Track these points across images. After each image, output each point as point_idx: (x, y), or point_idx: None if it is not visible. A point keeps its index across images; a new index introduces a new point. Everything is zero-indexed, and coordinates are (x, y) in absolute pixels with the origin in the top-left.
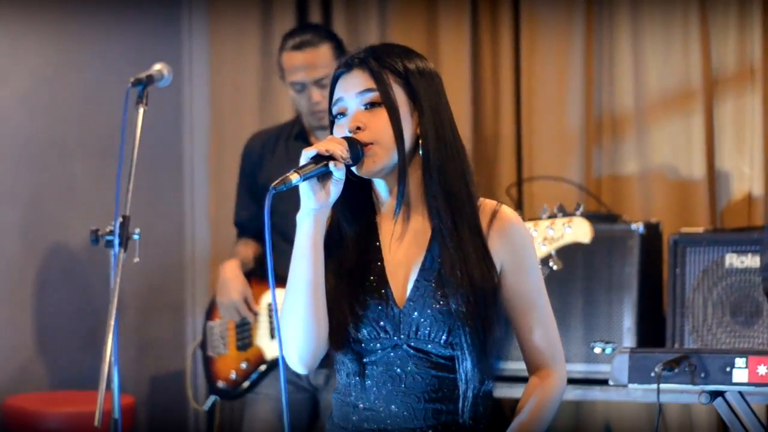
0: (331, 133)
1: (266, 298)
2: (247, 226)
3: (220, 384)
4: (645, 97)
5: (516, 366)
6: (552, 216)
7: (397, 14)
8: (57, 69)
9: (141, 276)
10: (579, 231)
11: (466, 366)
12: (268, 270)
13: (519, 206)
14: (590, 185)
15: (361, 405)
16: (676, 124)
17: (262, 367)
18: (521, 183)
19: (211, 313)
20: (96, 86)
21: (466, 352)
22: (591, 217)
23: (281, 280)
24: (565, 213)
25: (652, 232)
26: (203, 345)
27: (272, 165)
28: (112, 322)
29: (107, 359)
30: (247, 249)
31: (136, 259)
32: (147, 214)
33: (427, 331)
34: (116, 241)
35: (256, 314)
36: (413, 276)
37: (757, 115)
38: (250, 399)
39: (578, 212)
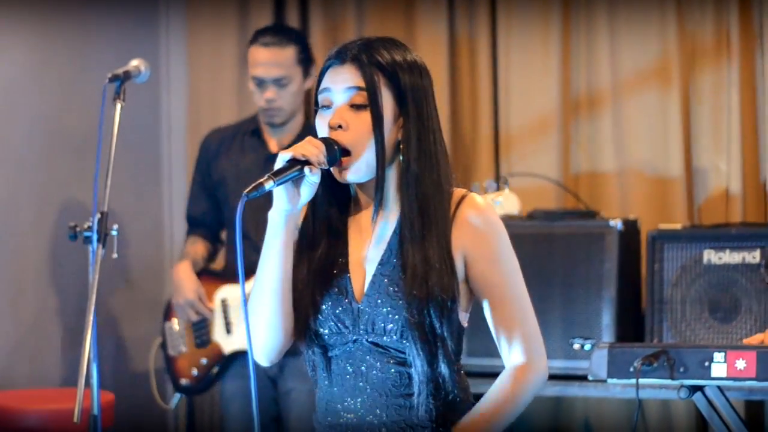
0: (314, 121)
1: (219, 294)
2: (198, 221)
3: (183, 381)
4: (622, 89)
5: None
6: (483, 192)
7: (375, 11)
8: (34, 65)
9: (120, 272)
10: (509, 203)
11: (417, 366)
12: (238, 270)
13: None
14: (568, 182)
15: (330, 399)
16: (653, 118)
17: (215, 369)
18: (499, 180)
19: (168, 313)
20: (73, 83)
21: (415, 353)
22: (569, 213)
23: (234, 275)
24: (494, 188)
25: (630, 228)
26: (164, 345)
27: (226, 161)
28: (91, 319)
29: (86, 356)
30: (196, 248)
31: (115, 255)
32: (125, 210)
33: (382, 326)
34: (94, 237)
35: (211, 311)
36: (371, 270)
37: (734, 112)
38: (224, 395)
39: (506, 186)
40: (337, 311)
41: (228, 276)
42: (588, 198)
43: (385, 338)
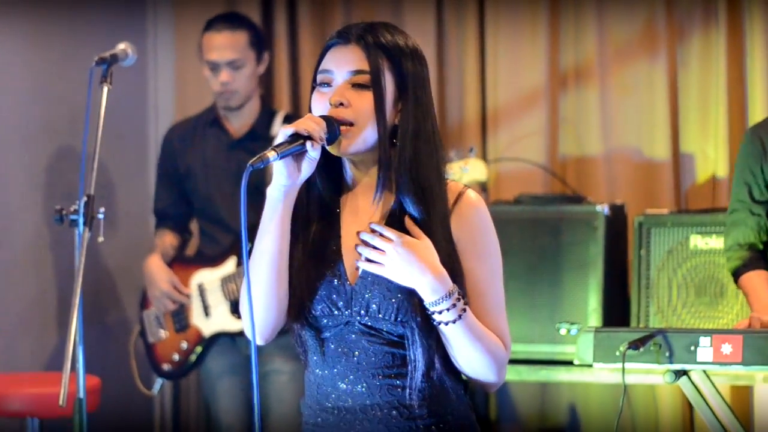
0: (310, 100)
1: (195, 279)
2: (166, 215)
3: (165, 367)
4: (609, 74)
5: None
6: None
7: (362, 2)
8: (21, 48)
9: (106, 256)
10: (476, 170)
11: (416, 349)
12: (242, 243)
13: (484, 188)
14: (555, 167)
15: (321, 382)
16: (640, 103)
17: (196, 352)
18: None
19: (145, 302)
20: (60, 66)
21: (416, 335)
22: (556, 198)
23: (209, 260)
24: (460, 156)
25: (617, 213)
26: (142, 333)
27: (191, 153)
28: (77, 302)
29: (72, 339)
30: (164, 240)
31: (101, 239)
32: (112, 194)
33: (376, 309)
34: (80, 221)
35: (188, 296)
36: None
37: (721, 98)
38: (209, 376)
39: (472, 154)
40: (331, 293)
41: (202, 261)
42: (575, 183)
43: (379, 321)
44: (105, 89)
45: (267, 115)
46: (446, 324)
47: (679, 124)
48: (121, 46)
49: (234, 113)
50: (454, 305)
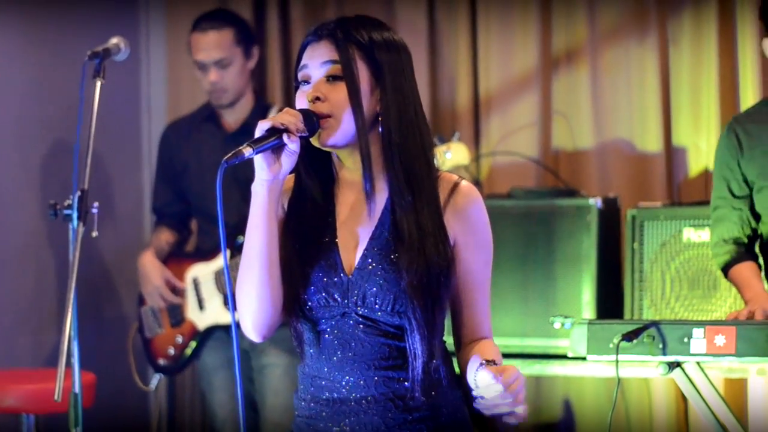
0: (294, 99)
1: (190, 273)
2: (164, 213)
3: (161, 361)
4: (601, 69)
5: None
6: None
7: None
8: (14, 44)
9: (100, 252)
10: (458, 155)
11: (414, 340)
12: (220, 239)
13: (477, 182)
14: (548, 160)
15: (317, 374)
16: (632, 97)
17: (191, 346)
18: (479, 158)
19: (142, 298)
20: (54, 61)
21: (414, 326)
22: (549, 192)
23: (203, 254)
24: (443, 141)
25: (610, 206)
26: (140, 329)
27: (187, 150)
28: (72, 297)
29: (67, 335)
30: (160, 238)
31: (95, 233)
32: (106, 189)
33: (373, 300)
34: (74, 215)
35: (183, 291)
36: (363, 244)
37: (712, 91)
38: (205, 369)
39: (455, 138)
40: (327, 284)
41: (197, 256)
42: (568, 176)
43: (376, 312)
44: (98, 84)
45: (261, 108)
46: None
47: (671, 118)
48: (114, 40)
49: (228, 109)
50: None
